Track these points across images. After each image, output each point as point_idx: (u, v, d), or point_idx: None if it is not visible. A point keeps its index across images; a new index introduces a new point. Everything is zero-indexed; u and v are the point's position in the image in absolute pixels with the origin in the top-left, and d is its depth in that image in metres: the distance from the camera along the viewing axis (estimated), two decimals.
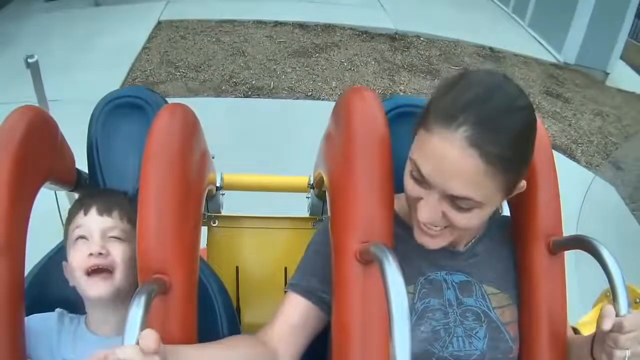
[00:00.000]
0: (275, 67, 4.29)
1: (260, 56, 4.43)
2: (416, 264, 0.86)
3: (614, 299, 0.72)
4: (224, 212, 1.40)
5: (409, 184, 0.77)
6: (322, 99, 3.93)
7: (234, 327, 0.98)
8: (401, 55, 4.76)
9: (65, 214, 0.93)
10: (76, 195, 1.07)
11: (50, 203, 1.09)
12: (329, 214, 0.86)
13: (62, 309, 0.91)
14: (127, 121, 1.05)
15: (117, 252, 0.86)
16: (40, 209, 0.87)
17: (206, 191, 0.96)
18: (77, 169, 1.06)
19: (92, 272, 0.84)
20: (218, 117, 3.37)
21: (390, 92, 4.14)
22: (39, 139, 0.87)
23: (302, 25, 5.04)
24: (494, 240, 0.91)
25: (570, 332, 0.89)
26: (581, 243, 0.79)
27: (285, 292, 0.89)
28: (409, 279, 0.71)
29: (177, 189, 0.78)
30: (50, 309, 0.91)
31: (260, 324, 0.86)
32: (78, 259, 0.85)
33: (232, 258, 1.37)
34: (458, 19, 5.76)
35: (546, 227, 0.86)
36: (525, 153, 0.74)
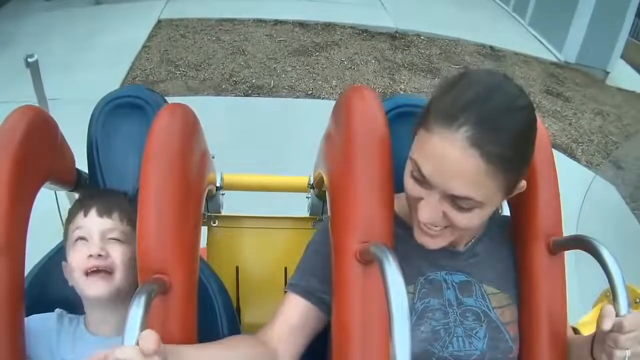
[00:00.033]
0: (275, 65, 4.29)
1: (261, 55, 4.42)
2: (416, 264, 0.86)
3: (614, 299, 0.72)
4: (224, 212, 1.40)
5: (409, 183, 0.77)
6: (323, 98, 3.93)
7: (234, 327, 0.98)
8: (401, 54, 4.76)
9: (65, 214, 0.93)
10: (76, 195, 1.07)
11: (50, 203, 1.09)
12: (329, 214, 0.86)
13: (61, 310, 0.91)
14: (127, 121, 1.05)
15: (117, 254, 0.86)
16: (40, 209, 0.87)
17: (206, 191, 0.96)
18: (77, 169, 1.06)
19: (92, 272, 0.84)
20: (218, 116, 3.37)
21: (390, 91, 4.14)
22: (39, 139, 0.87)
23: (302, 24, 5.04)
24: (493, 240, 0.91)
25: (570, 332, 0.89)
26: (581, 243, 0.79)
27: (285, 292, 0.89)
28: (408, 279, 0.71)
29: (177, 189, 0.78)
30: (50, 309, 0.91)
31: (260, 324, 0.86)
32: (77, 260, 0.85)
33: (232, 258, 1.37)
34: (458, 18, 5.75)
35: (546, 227, 0.86)
36: (526, 153, 0.74)
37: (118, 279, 0.85)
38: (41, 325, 0.86)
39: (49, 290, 0.96)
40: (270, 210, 1.44)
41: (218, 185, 1.27)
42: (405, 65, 4.57)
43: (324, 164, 0.96)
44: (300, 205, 1.45)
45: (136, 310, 0.60)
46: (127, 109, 1.06)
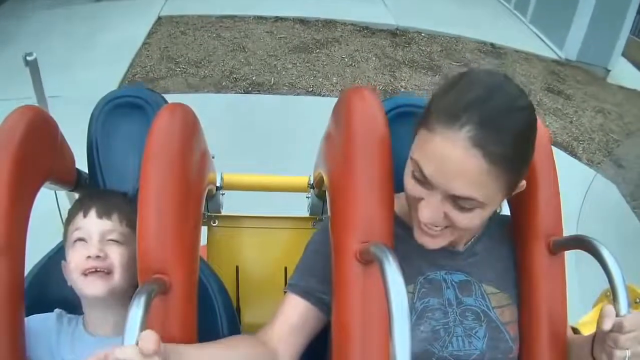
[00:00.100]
0: (275, 62, 4.28)
1: (261, 52, 4.42)
2: (416, 263, 0.86)
3: (614, 299, 0.72)
4: (224, 212, 1.40)
5: (409, 183, 0.77)
6: (323, 95, 3.92)
7: (234, 327, 0.98)
8: (402, 51, 4.75)
9: (65, 214, 0.93)
10: (76, 195, 1.07)
11: (50, 203, 1.09)
12: (329, 213, 0.86)
13: (60, 310, 0.91)
14: (127, 121, 1.05)
15: (115, 255, 0.86)
16: (40, 209, 0.87)
17: (206, 191, 0.96)
18: (77, 169, 1.06)
19: (90, 272, 0.84)
20: (218, 113, 3.36)
21: (391, 88, 4.13)
22: (39, 139, 0.87)
23: (302, 21, 5.03)
24: (493, 239, 0.91)
25: (570, 332, 0.89)
26: (581, 243, 0.79)
27: (285, 292, 0.89)
28: (408, 279, 0.71)
29: (177, 189, 0.78)
30: (50, 309, 0.91)
31: (260, 324, 0.86)
32: (76, 261, 0.85)
33: (232, 258, 1.37)
34: (459, 15, 5.74)
35: (546, 227, 0.86)
36: (526, 153, 0.74)
37: (116, 279, 0.85)
38: (41, 325, 0.87)
39: (49, 290, 0.96)
40: (271, 210, 1.44)
41: (218, 185, 1.27)
42: (406, 63, 4.56)
43: (324, 163, 0.96)
44: (300, 205, 1.45)
45: (136, 310, 0.60)
46: (127, 108, 1.06)
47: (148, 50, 4.28)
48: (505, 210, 0.92)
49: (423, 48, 4.88)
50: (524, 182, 0.78)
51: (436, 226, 0.76)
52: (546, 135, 0.89)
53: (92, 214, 0.88)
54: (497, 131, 0.68)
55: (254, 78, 4.02)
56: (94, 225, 0.87)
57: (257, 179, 1.43)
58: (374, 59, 4.54)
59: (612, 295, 0.73)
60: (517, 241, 0.90)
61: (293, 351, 0.84)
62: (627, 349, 0.70)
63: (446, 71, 4.50)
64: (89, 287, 0.84)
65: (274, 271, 1.34)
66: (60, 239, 0.95)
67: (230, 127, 3.21)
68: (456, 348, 0.81)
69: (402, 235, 0.83)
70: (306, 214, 1.42)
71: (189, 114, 0.87)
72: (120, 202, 0.92)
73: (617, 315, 0.71)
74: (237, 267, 1.35)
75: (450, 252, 0.87)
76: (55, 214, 1.10)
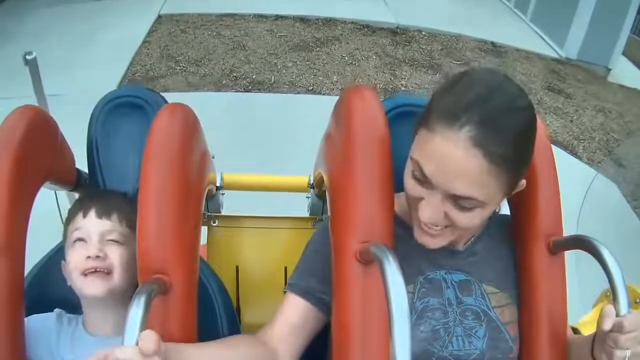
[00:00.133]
0: (276, 61, 4.28)
1: (261, 50, 4.41)
2: (415, 263, 0.86)
3: (614, 299, 0.72)
4: (224, 212, 1.40)
5: (409, 183, 0.77)
6: (323, 94, 3.92)
7: (234, 327, 0.98)
8: (403, 50, 4.75)
9: (65, 214, 0.93)
10: (76, 195, 1.07)
11: (50, 203, 1.09)
12: (329, 213, 0.86)
13: (60, 309, 0.91)
14: (127, 121, 1.05)
15: (115, 256, 0.86)
16: (40, 209, 0.87)
17: (206, 191, 0.96)
18: (77, 168, 1.06)
19: (90, 272, 0.84)
20: (218, 112, 3.36)
21: (391, 86, 4.13)
22: (39, 138, 0.87)
23: (303, 19, 5.03)
24: (493, 238, 0.91)
25: (570, 332, 0.89)
26: (581, 243, 0.79)
27: (284, 292, 0.89)
28: (408, 279, 0.70)
29: (177, 189, 0.78)
30: (50, 309, 0.91)
31: (260, 324, 0.86)
32: (76, 261, 0.85)
33: (232, 258, 1.37)
34: (460, 13, 5.73)
35: (546, 227, 0.86)
36: (526, 152, 0.74)
37: (116, 279, 0.85)
38: (41, 325, 0.87)
39: (49, 290, 0.96)
40: (271, 210, 1.44)
41: (218, 185, 1.27)
42: (407, 61, 4.56)
43: (324, 163, 0.96)
44: (300, 205, 1.45)
45: (136, 310, 0.60)
46: (127, 108, 1.06)
47: (148, 49, 4.27)
48: (505, 210, 0.92)
49: (423, 46, 4.88)
50: (523, 182, 0.78)
51: (436, 226, 0.76)
52: (546, 135, 0.90)
53: (92, 214, 0.88)
54: (498, 131, 0.68)
55: (254, 76, 4.02)
56: (94, 226, 0.87)
57: (257, 179, 1.43)
58: (374, 57, 4.54)
59: (612, 295, 0.73)
60: (517, 241, 0.90)
61: (293, 351, 0.84)
62: (627, 349, 0.70)
63: (447, 70, 4.49)
64: (89, 287, 0.84)
65: (274, 271, 1.34)
66: (60, 239, 0.95)
67: (230, 125, 3.20)
68: (456, 348, 0.81)
69: (401, 235, 0.83)
70: (306, 214, 1.42)
71: (189, 114, 0.87)
72: (120, 202, 0.92)
73: (617, 315, 0.71)
74: (237, 267, 1.35)
75: (450, 252, 0.87)
76: (55, 214, 1.10)
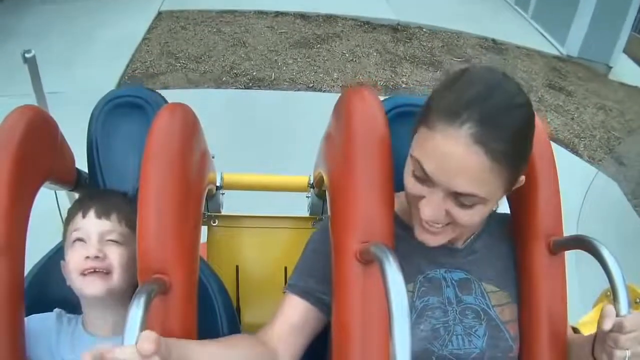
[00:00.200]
0: (276, 58, 4.27)
1: (261, 47, 4.40)
2: (415, 262, 0.86)
3: (614, 299, 0.72)
4: (224, 212, 1.40)
5: (409, 182, 0.77)
6: (324, 91, 3.91)
7: (234, 327, 0.98)
8: (403, 47, 4.74)
9: (65, 214, 0.93)
10: (76, 195, 1.07)
11: (50, 203, 1.09)
12: (329, 213, 0.86)
13: (60, 309, 0.91)
14: (127, 121, 1.05)
15: (115, 256, 0.86)
16: (40, 208, 0.87)
17: (206, 191, 0.96)
18: (77, 168, 1.06)
19: (89, 273, 0.84)
20: (218, 109, 3.36)
21: (392, 84, 4.12)
22: (39, 138, 0.87)
23: (303, 16, 5.01)
24: (492, 236, 0.91)
25: (570, 332, 0.89)
26: (581, 243, 0.79)
27: (284, 292, 0.89)
28: (408, 278, 0.71)
29: (177, 189, 0.78)
30: (50, 309, 0.91)
31: (260, 324, 0.86)
32: (75, 261, 0.85)
33: (232, 258, 1.37)
34: (460, 10, 5.72)
35: (546, 227, 0.86)
36: (525, 149, 0.75)
37: (115, 279, 0.85)
38: (40, 325, 0.87)
39: (49, 290, 0.96)
40: (271, 210, 1.44)
41: (218, 184, 1.27)
42: (407, 58, 4.55)
43: (324, 163, 0.96)
44: (300, 205, 1.45)
45: (136, 311, 0.60)
46: (127, 108, 1.05)
47: (148, 46, 4.26)
48: (505, 209, 0.92)
49: (424, 43, 4.87)
50: (522, 177, 0.78)
51: (437, 223, 0.77)
52: (546, 135, 0.90)
53: (91, 214, 0.88)
54: (498, 128, 0.69)
55: (254, 73, 4.01)
56: (93, 226, 0.87)
57: (257, 178, 1.42)
58: (375, 54, 4.53)
59: (612, 295, 0.73)
60: (517, 241, 0.90)
61: (293, 351, 0.84)
62: (628, 349, 0.70)
63: (447, 67, 4.49)
64: (88, 287, 0.84)
65: (274, 271, 1.34)
66: (60, 239, 0.95)
67: (230, 123, 3.20)
68: (456, 347, 0.82)
69: (401, 234, 0.83)
70: (306, 214, 1.42)
71: (189, 114, 0.87)
72: (119, 202, 0.92)
73: (618, 315, 0.71)
74: (237, 267, 1.35)
75: (449, 250, 0.87)
76: (55, 214, 1.10)
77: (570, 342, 0.85)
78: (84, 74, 3.64)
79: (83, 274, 0.84)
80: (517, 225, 0.91)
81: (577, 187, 3.11)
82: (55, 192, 1.14)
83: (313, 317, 0.86)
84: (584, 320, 1.17)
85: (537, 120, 0.77)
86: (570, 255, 0.86)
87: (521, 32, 5.55)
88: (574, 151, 3.68)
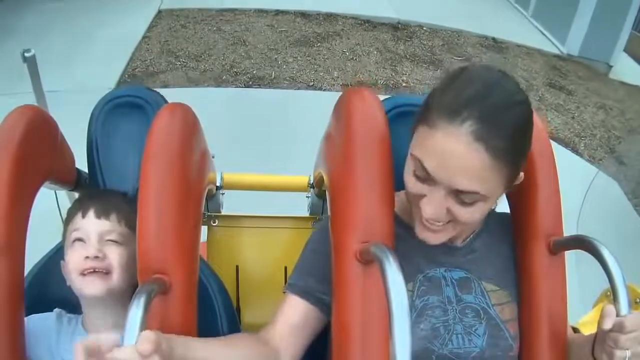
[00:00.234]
0: (276, 56, 4.26)
1: (262, 45, 4.40)
2: (415, 261, 0.86)
3: (614, 299, 0.72)
4: (224, 212, 1.40)
5: (410, 181, 0.77)
6: (324, 89, 3.91)
7: (234, 327, 0.98)
8: (404, 45, 4.73)
9: (65, 214, 0.93)
10: (76, 195, 1.07)
11: (50, 203, 1.09)
12: (329, 213, 0.86)
13: (60, 309, 0.91)
14: (127, 121, 1.05)
15: (114, 256, 0.86)
16: (40, 208, 0.87)
17: (206, 191, 0.96)
18: (77, 168, 1.06)
19: (88, 273, 0.84)
20: (218, 107, 3.36)
21: (392, 82, 4.12)
22: (39, 138, 0.87)
23: (303, 14, 5.01)
24: (492, 235, 0.91)
25: (570, 332, 0.89)
26: (581, 243, 0.79)
27: (284, 292, 0.89)
28: (407, 277, 0.70)
29: (177, 189, 0.78)
30: (50, 308, 0.91)
31: (260, 324, 0.86)
32: (74, 261, 0.85)
33: (232, 258, 1.37)
34: (461, 9, 5.72)
35: (546, 227, 0.86)
36: (524, 146, 0.75)
37: (115, 279, 0.86)
38: (41, 325, 0.87)
39: (49, 290, 0.96)
40: (271, 209, 1.44)
41: (218, 184, 1.27)
42: (408, 57, 4.54)
43: (324, 163, 0.96)
44: (300, 205, 1.45)
45: (136, 311, 0.60)
46: (127, 108, 1.05)
47: (148, 44, 4.26)
48: (505, 208, 0.92)
49: (424, 42, 4.86)
50: (522, 174, 0.78)
51: (439, 222, 0.77)
52: (546, 133, 0.90)
53: (91, 214, 0.88)
54: (498, 125, 0.69)
55: (254, 72, 4.00)
56: (93, 226, 0.87)
57: (257, 178, 1.42)
58: (375, 53, 4.52)
59: (612, 295, 0.73)
60: (517, 240, 0.90)
61: (294, 351, 0.84)
62: (628, 349, 0.70)
63: (448, 65, 4.48)
64: (88, 287, 0.84)
65: (274, 271, 1.34)
66: (60, 238, 0.95)
67: (230, 122, 3.20)
68: (456, 346, 0.82)
69: (401, 234, 0.83)
70: (306, 214, 1.42)
71: (188, 114, 0.87)
72: (119, 202, 0.92)
73: (618, 315, 0.71)
74: (237, 267, 1.35)
75: (449, 248, 0.87)
76: (55, 214, 1.10)
77: (570, 342, 0.85)
78: (84, 72, 3.64)
79: (83, 274, 0.84)
80: (517, 225, 0.91)
81: (577, 187, 3.11)
82: (55, 192, 1.14)
83: (313, 317, 0.86)
84: (584, 320, 1.17)
85: (537, 119, 0.78)
86: (570, 255, 0.86)
87: (521, 31, 5.55)
88: (575, 150, 3.68)
